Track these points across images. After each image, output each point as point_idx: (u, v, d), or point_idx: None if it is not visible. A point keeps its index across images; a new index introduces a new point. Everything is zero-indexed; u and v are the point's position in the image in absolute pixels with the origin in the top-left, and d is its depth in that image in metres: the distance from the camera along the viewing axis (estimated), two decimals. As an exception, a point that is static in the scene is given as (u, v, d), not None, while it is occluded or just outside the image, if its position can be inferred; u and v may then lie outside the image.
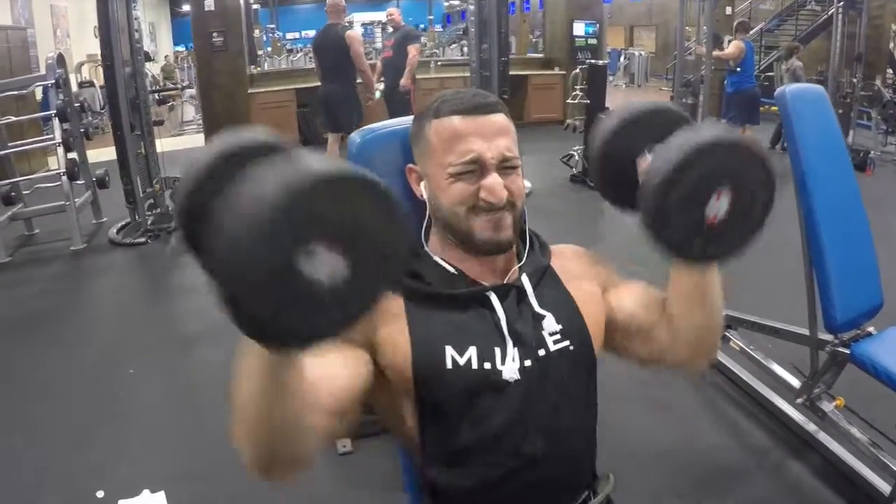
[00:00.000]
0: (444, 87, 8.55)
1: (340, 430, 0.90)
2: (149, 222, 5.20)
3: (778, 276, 3.80)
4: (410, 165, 1.10)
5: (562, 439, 1.01)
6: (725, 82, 7.05)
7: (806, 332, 2.38)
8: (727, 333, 2.92)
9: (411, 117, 1.15)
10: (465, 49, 10.07)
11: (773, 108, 8.93)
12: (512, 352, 0.99)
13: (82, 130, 5.44)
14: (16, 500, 2.33)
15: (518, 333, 1.00)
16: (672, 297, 1.05)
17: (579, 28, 9.43)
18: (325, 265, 0.62)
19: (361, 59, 5.48)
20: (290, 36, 18.77)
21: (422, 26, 17.61)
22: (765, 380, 2.74)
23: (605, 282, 1.13)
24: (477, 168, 1.00)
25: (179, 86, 11.28)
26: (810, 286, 2.26)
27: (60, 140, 5.01)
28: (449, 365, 0.97)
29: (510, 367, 0.98)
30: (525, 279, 1.06)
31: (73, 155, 5.21)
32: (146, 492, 2.31)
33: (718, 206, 0.87)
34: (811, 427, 2.46)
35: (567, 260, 1.14)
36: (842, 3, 7.56)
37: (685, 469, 2.35)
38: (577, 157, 6.47)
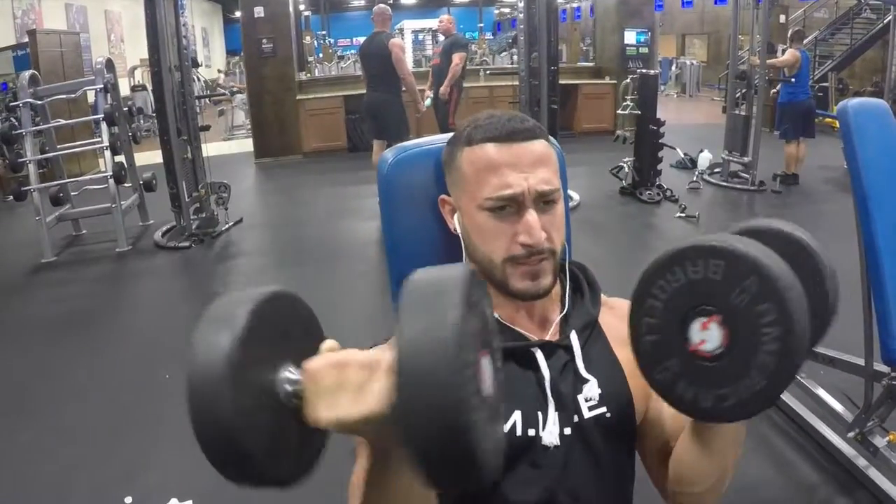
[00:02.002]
0: (493, 95, 8.52)
1: None
2: (193, 226, 5.26)
3: (841, 300, 3.63)
4: (443, 196, 1.03)
5: None
6: (779, 92, 6.82)
7: (861, 362, 2.25)
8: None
9: (447, 136, 1.07)
10: (515, 57, 10.02)
11: (828, 119, 8.70)
12: (553, 416, 0.91)
13: (130, 134, 5.54)
14: (43, 502, 2.34)
15: (561, 396, 0.92)
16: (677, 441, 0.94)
17: (630, 36, 9.27)
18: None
19: (403, 65, 5.48)
20: (341, 42, 19.01)
21: (470, 35, 17.66)
22: (814, 409, 2.60)
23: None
24: (513, 204, 0.92)
25: (228, 91, 11.46)
26: (868, 314, 2.13)
27: (108, 143, 5.11)
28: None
29: (551, 431, 0.91)
30: (574, 338, 0.97)
31: (119, 158, 5.32)
32: (174, 500, 2.30)
33: (708, 335, 0.70)
34: (861, 462, 2.31)
35: (619, 319, 0.99)
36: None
37: None
38: (626, 169, 6.33)
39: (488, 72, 9.09)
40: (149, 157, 6.67)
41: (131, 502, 2.30)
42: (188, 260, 5.00)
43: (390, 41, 5.40)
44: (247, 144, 9.03)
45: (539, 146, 0.94)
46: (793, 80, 6.45)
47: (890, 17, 7.99)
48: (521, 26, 5.57)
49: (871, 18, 10.69)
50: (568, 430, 0.91)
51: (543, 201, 0.92)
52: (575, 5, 16.23)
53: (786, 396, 2.70)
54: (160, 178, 5.45)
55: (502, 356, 0.87)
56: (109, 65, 5.42)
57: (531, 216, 0.91)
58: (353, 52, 15.10)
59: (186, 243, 5.13)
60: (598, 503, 0.93)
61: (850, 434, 2.27)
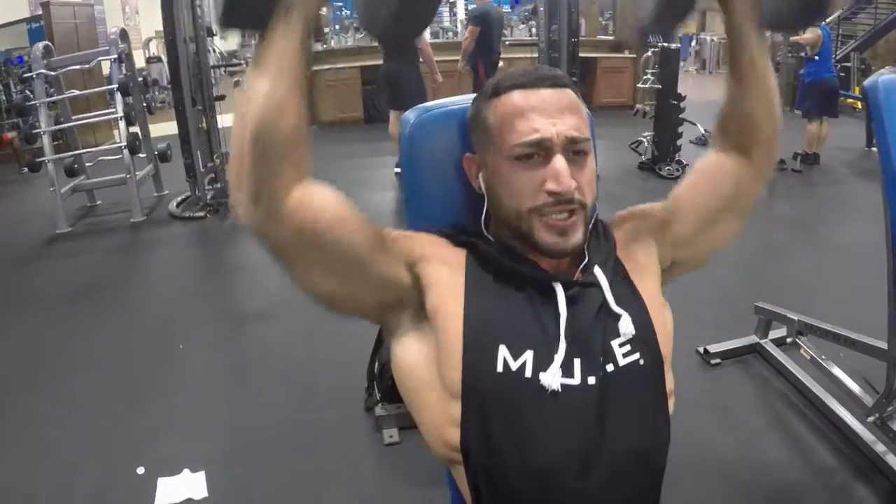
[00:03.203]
0: (513, 66, 8.38)
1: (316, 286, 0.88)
2: (208, 197, 5.25)
3: (856, 282, 3.58)
4: (468, 155, 1.00)
5: (624, 468, 0.87)
6: (802, 72, 6.65)
7: (884, 345, 2.20)
8: (798, 340, 2.74)
9: (469, 96, 1.05)
10: (534, 30, 9.86)
11: (850, 100, 8.49)
12: (568, 362, 0.87)
13: (144, 105, 5.51)
14: (56, 472, 2.35)
15: (582, 342, 0.88)
16: (734, 88, 1.00)
17: (651, 10, 9.09)
18: None
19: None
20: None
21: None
22: (834, 392, 2.55)
23: (662, 219, 1.04)
24: (541, 151, 0.88)
25: (244, 62, 11.39)
26: (893, 296, 2.08)
27: (122, 114, 5.09)
28: (499, 367, 0.86)
29: (553, 373, 0.86)
30: (598, 272, 0.93)
31: (134, 129, 5.29)
32: (186, 471, 2.31)
33: None
34: (880, 448, 2.26)
35: (628, 233, 1.03)
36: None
37: (746, 486, 2.20)
38: (646, 144, 6.24)
39: (507, 43, 8.94)
40: (163, 128, 6.65)
41: (143, 472, 2.31)
42: (203, 230, 5.00)
43: (406, 12, 5.33)
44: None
45: (568, 94, 0.91)
46: (816, 57, 6.29)
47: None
48: (543, -1, 5.47)
49: (896, -1, 10.42)
50: (592, 380, 0.87)
51: (573, 150, 0.89)
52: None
53: (805, 379, 2.66)
54: (175, 148, 5.43)
55: (520, 279, 0.91)
56: (123, 35, 5.38)
57: (559, 161, 0.87)
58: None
59: (201, 213, 5.13)
60: (626, 465, 0.88)
61: (870, 419, 2.23)
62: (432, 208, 1.09)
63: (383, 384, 2.54)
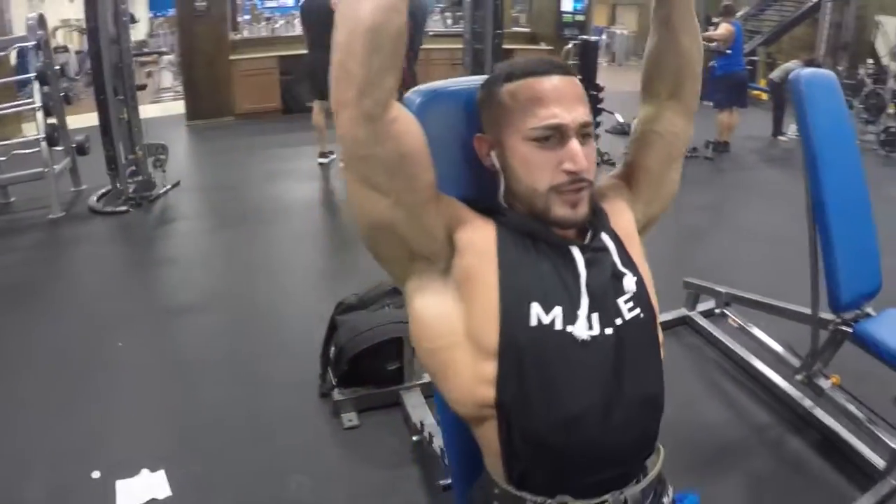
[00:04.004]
0: (430, 58, 8.40)
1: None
2: (130, 190, 5.07)
3: (768, 259, 3.87)
4: (479, 135, 1.07)
5: (645, 400, 1.00)
6: (713, 65, 7.02)
7: (807, 310, 2.40)
8: (725, 311, 2.95)
9: (471, 78, 1.12)
10: (449, 21, 9.97)
11: (756, 92, 9.05)
12: (589, 316, 0.98)
13: (62, 94, 5.26)
14: (5, 483, 2.20)
15: (599, 298, 0.99)
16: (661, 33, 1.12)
17: (567, 3, 9.36)
18: None
19: None
20: (269, 4, 18.35)
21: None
22: (762, 356, 2.78)
23: (628, 188, 1.17)
24: (557, 134, 0.97)
25: (158, 51, 11.01)
26: (814, 266, 2.28)
27: (41, 104, 4.85)
28: (533, 321, 0.96)
29: (581, 325, 0.97)
30: (606, 238, 1.04)
31: (52, 120, 5.05)
32: (145, 471, 2.23)
33: None
34: (808, 403, 2.50)
35: (608, 204, 1.12)
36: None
37: (686, 445, 2.35)
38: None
39: (430, 34, 8.99)
40: (75, 120, 6.36)
41: (99, 476, 2.21)
42: (126, 225, 4.83)
43: (332, 0, 5.28)
44: (174, 107, 8.70)
45: (576, 82, 1.01)
46: (728, 52, 6.65)
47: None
48: (468, -10, 5.55)
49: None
50: (609, 331, 0.98)
51: (583, 134, 0.98)
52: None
53: (734, 346, 2.88)
54: (93, 141, 5.21)
55: (547, 252, 0.99)
56: (42, 21, 5.11)
57: (575, 144, 0.97)
58: (281, 13, 14.69)
59: (123, 208, 4.95)
60: (637, 406, 0.99)
61: (798, 377, 2.44)
62: (440, 184, 1.15)
63: (340, 369, 2.57)
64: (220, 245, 4.56)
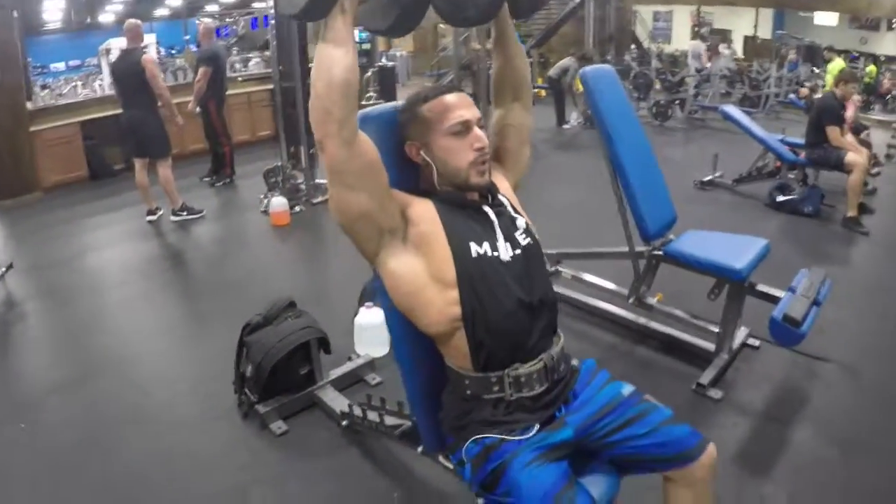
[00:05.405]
0: (251, 100, 8.42)
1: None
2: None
3: (574, 227, 4.61)
4: (409, 142, 1.55)
5: (545, 295, 1.54)
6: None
7: (625, 249, 3.07)
8: (559, 268, 3.60)
9: (385, 105, 1.64)
10: (252, 63, 10.18)
11: (536, 90, 10.21)
12: (505, 245, 1.51)
13: None
14: None
15: (507, 233, 1.53)
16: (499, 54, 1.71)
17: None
18: None
19: (157, 81, 5.37)
20: (54, 67, 17.12)
21: (178, 47, 17.09)
22: (598, 295, 3.47)
23: (501, 165, 1.71)
24: (464, 128, 1.49)
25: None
26: (624, 215, 2.93)
27: None
28: (474, 254, 1.46)
29: (505, 250, 1.50)
30: (501, 197, 1.59)
31: None
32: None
33: None
34: (643, 320, 3.21)
35: (495, 176, 1.63)
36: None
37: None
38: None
39: (240, 79, 9.00)
40: None
41: None
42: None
43: (143, 57, 5.34)
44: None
45: (466, 95, 1.55)
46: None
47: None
48: (273, 32, 5.80)
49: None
50: (518, 252, 1.51)
51: (479, 126, 1.52)
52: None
53: (574, 293, 3.53)
54: None
55: (469, 206, 1.55)
56: None
57: (479, 131, 1.52)
58: (51, 79, 13.88)
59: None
60: (545, 292, 1.54)
61: (630, 301, 3.12)
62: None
63: (261, 383, 2.73)
64: (76, 319, 4.25)
